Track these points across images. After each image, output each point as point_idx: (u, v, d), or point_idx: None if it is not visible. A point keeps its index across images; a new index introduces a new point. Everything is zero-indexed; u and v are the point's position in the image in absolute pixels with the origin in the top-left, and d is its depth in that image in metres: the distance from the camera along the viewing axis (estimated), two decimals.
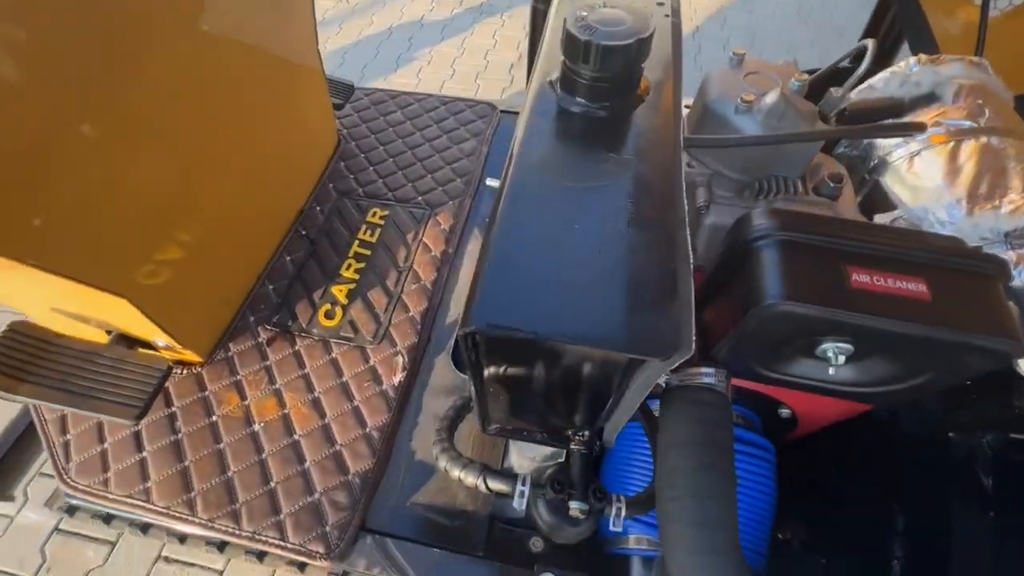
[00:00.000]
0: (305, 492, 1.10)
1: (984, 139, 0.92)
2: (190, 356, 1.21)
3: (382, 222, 1.50)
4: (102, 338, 1.17)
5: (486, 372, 0.59)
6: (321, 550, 1.04)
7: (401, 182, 1.61)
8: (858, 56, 0.93)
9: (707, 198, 0.89)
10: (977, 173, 0.90)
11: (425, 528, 1.10)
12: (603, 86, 0.63)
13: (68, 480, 1.12)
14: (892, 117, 0.99)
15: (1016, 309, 0.61)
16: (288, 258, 1.42)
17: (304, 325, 1.31)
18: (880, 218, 1.04)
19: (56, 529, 1.84)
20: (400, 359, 1.25)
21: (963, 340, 0.56)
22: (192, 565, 1.83)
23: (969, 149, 0.92)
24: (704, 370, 0.66)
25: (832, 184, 0.86)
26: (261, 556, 1.10)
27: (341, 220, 1.51)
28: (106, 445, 1.15)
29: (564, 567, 1.02)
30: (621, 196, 0.56)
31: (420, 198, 1.57)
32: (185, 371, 1.24)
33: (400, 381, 1.23)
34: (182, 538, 1.14)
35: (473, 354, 0.55)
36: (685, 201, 0.57)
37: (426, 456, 1.17)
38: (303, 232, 1.46)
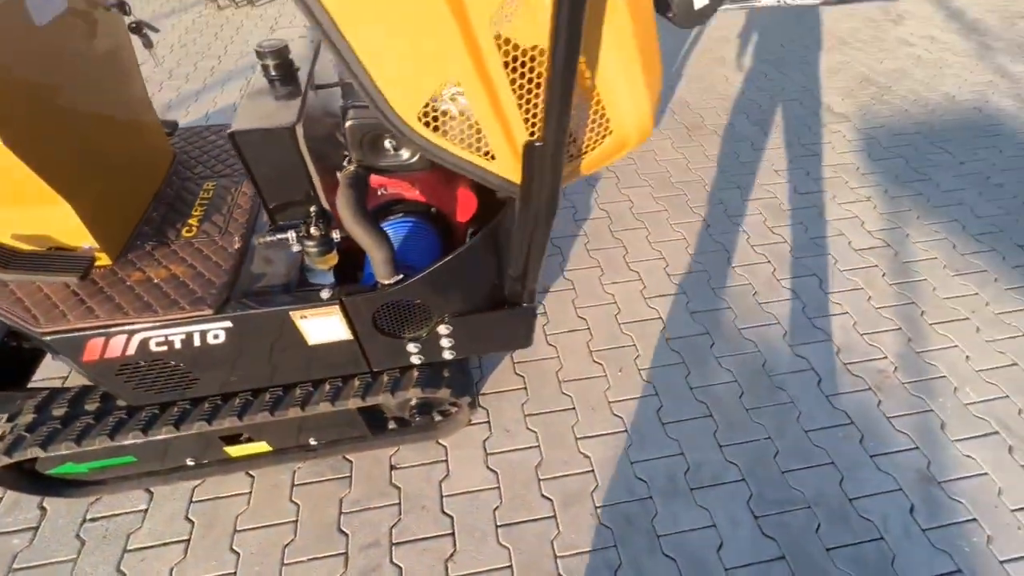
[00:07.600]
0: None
1: None
2: (101, 259, 1.57)
3: (213, 187, 1.93)
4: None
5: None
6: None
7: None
8: None
9: None
10: None
11: None
12: None
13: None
14: None
15: None
16: (154, 214, 1.79)
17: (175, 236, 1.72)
18: None
19: None
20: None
21: None
22: (115, 516, 1.91)
23: None
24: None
25: None
26: None
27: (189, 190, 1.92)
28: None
29: None
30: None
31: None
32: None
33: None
34: None
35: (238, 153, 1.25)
36: None
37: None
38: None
